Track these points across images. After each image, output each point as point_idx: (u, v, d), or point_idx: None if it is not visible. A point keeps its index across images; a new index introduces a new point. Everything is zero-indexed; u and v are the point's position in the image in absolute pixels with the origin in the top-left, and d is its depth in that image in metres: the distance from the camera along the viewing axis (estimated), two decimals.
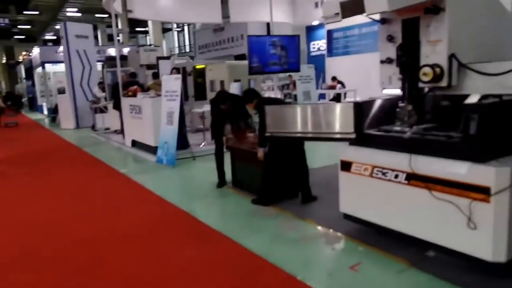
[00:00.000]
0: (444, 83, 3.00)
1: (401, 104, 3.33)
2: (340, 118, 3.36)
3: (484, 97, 3.07)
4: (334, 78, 13.46)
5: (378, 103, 3.49)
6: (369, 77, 12.41)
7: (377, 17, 3.32)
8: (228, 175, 5.56)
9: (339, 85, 13.22)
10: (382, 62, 3.42)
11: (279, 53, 7.77)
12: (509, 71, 2.64)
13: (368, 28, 13.16)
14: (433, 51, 3.03)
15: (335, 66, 14.34)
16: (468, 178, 2.54)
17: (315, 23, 15.80)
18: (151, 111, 7.76)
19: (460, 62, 2.95)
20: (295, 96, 9.76)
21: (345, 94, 12.87)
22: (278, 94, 9.11)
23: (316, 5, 15.07)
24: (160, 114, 7.47)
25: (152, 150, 7.77)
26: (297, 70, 8.46)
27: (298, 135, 3.56)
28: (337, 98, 13.20)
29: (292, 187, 4.78)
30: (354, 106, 3.25)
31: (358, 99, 12.40)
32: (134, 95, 8.74)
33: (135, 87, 9.21)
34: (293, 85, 9.92)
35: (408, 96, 3.26)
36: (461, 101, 3.13)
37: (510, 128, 2.62)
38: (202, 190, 5.57)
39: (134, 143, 8.95)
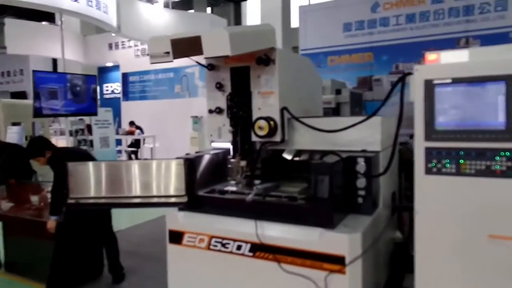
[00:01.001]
0: (278, 137, 2.80)
1: (232, 160, 2.98)
2: (167, 178, 2.75)
3: (298, 152, 3.05)
4: (132, 123, 12.69)
5: (207, 158, 3.03)
6: (167, 123, 12.32)
7: (204, 61, 2.94)
8: None
9: (137, 131, 12.51)
10: (210, 111, 3.03)
11: (72, 93, 6.55)
12: (343, 129, 2.61)
13: (164, 74, 13.15)
14: (265, 104, 2.82)
15: (131, 110, 13.62)
16: (320, 247, 2.28)
17: (109, 64, 14.85)
18: None
19: (293, 115, 2.81)
20: (91, 142, 8.49)
21: (144, 140, 12.24)
22: (70, 140, 7.67)
23: (110, 46, 14.22)
24: None
25: None
26: (94, 113, 7.37)
27: (116, 201, 2.72)
28: (135, 144, 12.42)
29: (95, 264, 3.75)
30: (185, 163, 2.70)
31: (158, 145, 12.16)
32: None
33: None
34: (87, 130, 8.64)
35: (240, 151, 2.95)
36: (280, 154, 3.04)
37: (346, 186, 2.55)
38: None
39: None
